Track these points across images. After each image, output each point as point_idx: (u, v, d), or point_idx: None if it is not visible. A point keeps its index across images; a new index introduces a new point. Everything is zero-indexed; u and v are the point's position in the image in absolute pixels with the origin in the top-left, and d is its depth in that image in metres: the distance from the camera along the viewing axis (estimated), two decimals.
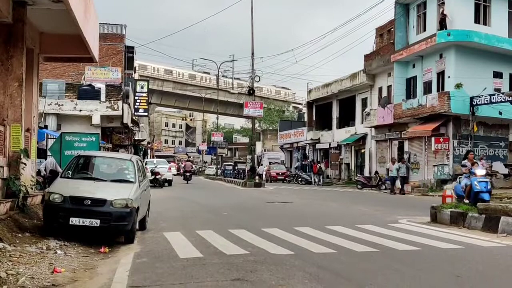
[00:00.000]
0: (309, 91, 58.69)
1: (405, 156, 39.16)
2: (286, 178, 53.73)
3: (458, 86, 33.98)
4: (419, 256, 10.02)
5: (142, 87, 50.47)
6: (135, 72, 57.15)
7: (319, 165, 50.05)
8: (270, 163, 65.38)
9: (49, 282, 7.91)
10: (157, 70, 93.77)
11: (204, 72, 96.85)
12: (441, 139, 34.80)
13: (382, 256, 10.03)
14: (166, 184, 39.75)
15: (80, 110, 36.37)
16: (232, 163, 73.52)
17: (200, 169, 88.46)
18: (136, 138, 55.05)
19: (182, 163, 78.47)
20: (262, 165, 60.44)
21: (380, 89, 44.80)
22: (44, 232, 11.76)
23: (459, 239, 12.06)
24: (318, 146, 56.04)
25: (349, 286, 7.37)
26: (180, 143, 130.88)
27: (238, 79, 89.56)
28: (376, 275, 8.29)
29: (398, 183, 33.86)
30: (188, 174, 48.65)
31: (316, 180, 47.72)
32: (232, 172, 65.68)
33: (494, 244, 11.41)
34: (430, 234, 12.86)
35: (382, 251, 10.50)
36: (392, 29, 42.18)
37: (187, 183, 46.79)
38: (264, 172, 53.34)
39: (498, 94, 32.38)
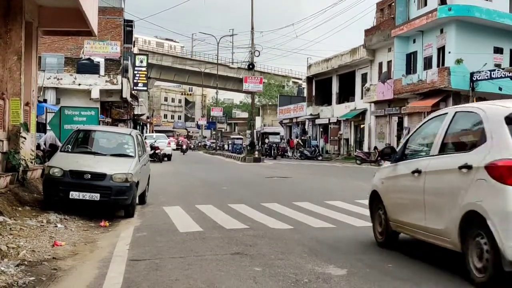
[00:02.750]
0: (309, 66, 58.51)
1: (404, 132, 39.17)
2: (286, 153, 53.86)
3: (459, 61, 33.86)
4: None
5: (141, 61, 50.29)
6: (134, 46, 56.89)
7: (297, 139, 56.58)
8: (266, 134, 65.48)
9: (50, 255, 7.96)
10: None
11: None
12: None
13: None
14: (166, 159, 39.77)
15: (79, 84, 36.25)
16: (242, 137, 73.72)
17: (200, 144, 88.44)
18: (135, 112, 54.99)
19: (180, 138, 78.81)
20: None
21: (380, 64, 44.66)
22: (44, 206, 11.81)
23: None
24: (317, 121, 56.03)
25: (347, 260, 7.41)
26: (179, 117, 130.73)
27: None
28: (374, 249, 8.34)
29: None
30: (184, 148, 59.56)
31: (290, 154, 52.78)
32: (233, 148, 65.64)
33: None
34: None
35: None
36: (393, 4, 41.93)
37: (183, 154, 55.34)
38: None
39: (498, 70, 32.29)
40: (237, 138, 72.60)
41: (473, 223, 6.17)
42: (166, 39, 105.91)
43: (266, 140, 53.05)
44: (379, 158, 38.59)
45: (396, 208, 8.25)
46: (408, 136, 8.71)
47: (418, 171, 7.48)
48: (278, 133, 59.67)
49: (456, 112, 7.35)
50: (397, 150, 8.76)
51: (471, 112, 7.02)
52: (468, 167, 6.30)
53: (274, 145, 51.24)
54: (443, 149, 7.26)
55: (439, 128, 7.45)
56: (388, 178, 8.63)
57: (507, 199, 5.70)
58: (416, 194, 7.55)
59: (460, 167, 6.43)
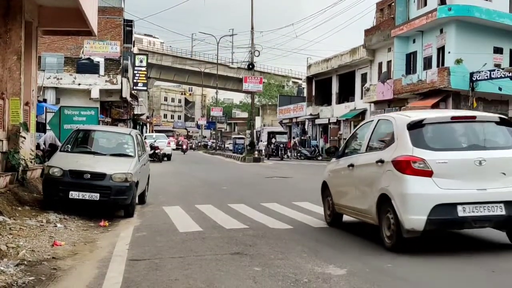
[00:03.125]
0: (309, 66, 58.49)
1: None
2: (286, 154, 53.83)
3: (458, 61, 33.84)
4: None
5: (141, 61, 50.27)
6: (134, 46, 56.89)
7: (294, 140, 57.08)
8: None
9: (49, 255, 7.96)
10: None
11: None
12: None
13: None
14: (165, 158, 39.78)
15: (79, 84, 36.22)
16: (243, 137, 73.32)
17: (199, 144, 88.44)
18: (135, 112, 54.97)
19: (180, 138, 79.05)
20: (261, 140, 60.43)
21: (380, 64, 44.65)
22: (44, 205, 11.81)
23: None
24: (317, 121, 56.02)
25: (347, 260, 7.41)
26: (179, 117, 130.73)
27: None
28: (374, 248, 8.32)
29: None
30: (184, 148, 62.43)
31: (289, 155, 52.04)
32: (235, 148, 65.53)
33: None
34: None
35: None
36: (393, 4, 41.91)
37: (184, 154, 57.01)
38: (264, 147, 53.45)
39: (498, 70, 32.27)
40: (239, 138, 71.37)
41: (385, 203, 8.27)
42: (145, 35, 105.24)
43: (273, 140, 49.66)
44: None
45: (338, 194, 10.38)
46: (348, 138, 11.01)
47: (351, 165, 9.66)
48: (285, 133, 57.09)
49: (379, 120, 9.54)
50: (349, 148, 10.48)
51: (387, 120, 9.18)
52: (382, 161, 8.46)
53: (282, 145, 48.63)
54: (368, 148, 9.40)
55: (367, 132, 9.65)
56: (333, 171, 10.89)
57: (404, 184, 7.85)
58: (350, 183, 9.79)
59: (377, 161, 8.60)
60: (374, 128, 9.44)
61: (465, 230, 8.87)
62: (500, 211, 7.80)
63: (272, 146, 49.00)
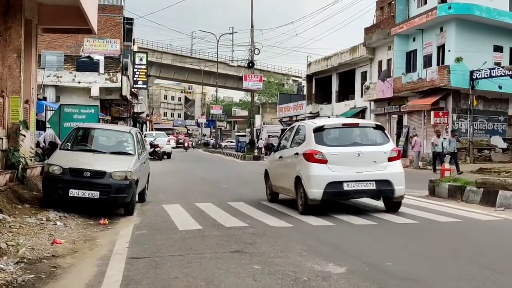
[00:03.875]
0: (309, 64, 58.43)
1: (404, 130, 39.16)
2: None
3: (458, 59, 33.83)
4: (416, 229, 10.07)
5: (141, 59, 50.25)
6: (134, 44, 56.85)
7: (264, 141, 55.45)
8: (269, 136, 65.29)
9: (49, 253, 7.97)
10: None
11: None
12: (441, 113, 34.75)
13: (379, 228, 10.09)
14: (165, 156, 39.80)
15: (79, 82, 36.22)
16: (247, 135, 72.82)
17: (199, 142, 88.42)
18: (135, 110, 54.97)
19: (180, 136, 79.24)
20: (261, 138, 60.40)
21: (380, 63, 44.62)
22: (44, 203, 11.82)
23: (457, 212, 12.10)
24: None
25: (346, 258, 7.42)
26: (179, 115, 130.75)
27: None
28: (373, 247, 8.35)
29: (447, 161, 25.82)
30: (186, 145, 65.46)
31: None
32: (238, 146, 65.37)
33: (491, 217, 11.45)
34: (427, 208, 12.91)
35: (380, 224, 10.56)
36: (393, 2, 41.87)
37: (186, 151, 59.61)
38: (263, 145, 53.41)
39: (498, 68, 32.24)
40: (242, 135, 69.58)
41: (298, 182, 11.94)
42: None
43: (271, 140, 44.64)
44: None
45: (274, 178, 14.14)
46: (281, 137, 15.53)
47: (281, 157, 13.63)
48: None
49: (298, 125, 13.71)
50: (281, 145, 14.33)
51: (303, 125, 13.31)
52: (297, 154, 12.25)
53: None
54: (291, 144, 13.22)
55: (291, 133, 13.68)
56: (270, 161, 15.26)
57: (309, 168, 11.57)
58: (280, 169, 13.70)
59: (294, 154, 12.43)
60: (295, 131, 13.47)
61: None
62: (372, 186, 11.65)
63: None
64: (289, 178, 12.42)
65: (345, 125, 12.81)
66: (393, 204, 12.21)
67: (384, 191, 11.81)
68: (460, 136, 32.43)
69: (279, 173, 13.65)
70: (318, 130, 12.11)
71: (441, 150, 26.39)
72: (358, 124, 13.24)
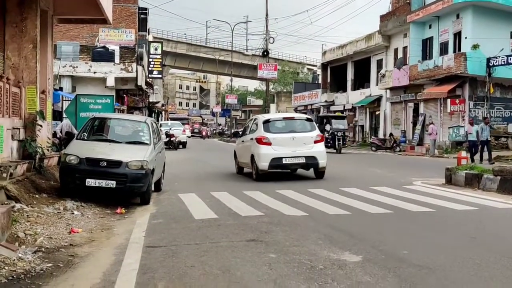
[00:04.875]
0: (324, 53, 58.22)
1: (420, 118, 38.92)
2: None
3: (475, 47, 33.54)
4: (433, 218, 10.03)
5: (156, 49, 50.26)
6: (148, 34, 56.90)
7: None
8: None
9: (67, 242, 8.03)
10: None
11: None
12: (457, 101, 34.52)
13: (396, 217, 10.06)
14: (181, 146, 39.88)
15: (95, 72, 36.37)
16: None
17: (214, 131, 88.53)
18: (150, 100, 55.10)
19: (195, 126, 79.57)
20: None
21: (396, 50, 44.35)
22: (61, 193, 11.90)
23: (473, 200, 12.04)
24: (332, 108, 55.77)
25: (362, 247, 7.41)
26: (194, 105, 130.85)
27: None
28: (389, 236, 8.33)
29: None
30: (204, 134, 71.70)
31: None
32: None
33: (509, 205, 11.38)
34: (444, 196, 12.85)
35: (396, 212, 10.53)
36: None
37: (204, 139, 64.90)
38: None
39: None
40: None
41: (253, 158, 16.70)
42: None
43: (327, 127, 36.90)
44: (394, 145, 38.49)
45: (239, 156, 19.07)
46: (245, 126, 20.14)
47: (243, 141, 18.53)
48: (344, 117, 42.17)
49: (255, 118, 18.73)
50: (244, 132, 19.21)
51: (257, 118, 18.31)
52: (252, 138, 17.03)
53: (339, 133, 36.41)
54: (249, 132, 18.05)
55: (251, 124, 18.65)
56: (237, 144, 20.11)
57: (259, 149, 16.35)
58: (242, 150, 18.52)
59: (251, 139, 17.18)
60: (252, 122, 18.61)
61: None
62: (302, 160, 16.61)
63: (326, 134, 35.10)
64: (247, 156, 17.46)
65: (284, 118, 18.08)
66: (319, 173, 17.25)
67: (311, 164, 16.89)
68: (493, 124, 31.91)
69: (242, 153, 18.63)
70: (266, 122, 17.20)
71: (476, 139, 25.30)
72: (293, 117, 18.62)
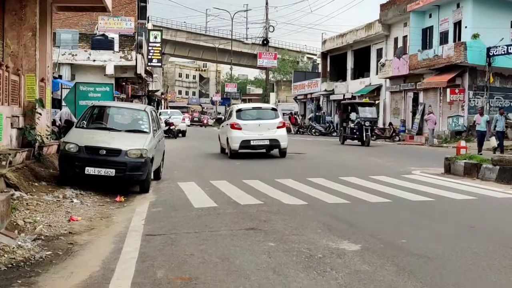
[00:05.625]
0: (324, 42, 58.07)
1: (420, 107, 38.90)
2: (300, 129, 53.77)
3: (475, 36, 33.47)
4: (432, 207, 10.06)
5: (155, 37, 50.04)
6: (148, 22, 56.72)
7: (295, 116, 58.21)
8: (284, 114, 65.09)
9: (66, 230, 8.05)
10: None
11: None
12: (457, 90, 34.48)
13: (395, 206, 10.08)
14: (180, 134, 39.87)
15: (94, 60, 36.26)
16: (291, 110, 71.62)
17: (214, 120, 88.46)
18: (150, 88, 54.99)
19: (195, 114, 79.68)
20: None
21: (396, 40, 44.24)
22: (60, 181, 11.91)
23: (472, 190, 12.07)
24: (332, 97, 55.73)
25: (361, 235, 7.43)
26: (193, 93, 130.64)
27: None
28: (388, 225, 8.36)
29: (493, 141, 24.01)
30: (205, 122, 75.07)
31: (293, 130, 52.40)
32: None
33: (507, 195, 11.42)
34: (443, 185, 12.88)
35: (395, 201, 10.55)
36: None
37: (205, 127, 67.59)
38: None
39: None
40: (285, 110, 59.32)
41: (227, 140, 20.65)
42: None
43: (353, 116, 32.27)
44: (394, 134, 38.48)
45: (220, 139, 22.63)
46: (225, 114, 26.62)
47: (223, 126, 22.78)
48: (372, 104, 35.89)
49: (231, 108, 23.88)
50: (224, 119, 24.88)
51: (232, 108, 22.72)
52: (228, 124, 20.97)
53: (367, 123, 31.15)
54: (227, 119, 22.13)
55: (229, 112, 23.43)
56: (220, 129, 24.24)
57: (231, 133, 20.29)
58: (222, 134, 22.26)
59: (227, 124, 21.21)
60: (229, 111, 22.82)
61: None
62: (267, 142, 20.22)
63: (352, 124, 32.13)
64: (225, 138, 21.19)
65: (254, 108, 22.41)
66: (281, 153, 21.01)
67: (274, 145, 20.69)
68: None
69: (221, 136, 22.49)
70: (238, 110, 21.13)
71: (484, 129, 24.36)
72: (261, 107, 22.85)
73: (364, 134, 30.73)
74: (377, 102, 47.31)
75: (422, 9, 39.01)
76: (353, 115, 32.19)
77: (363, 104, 34.15)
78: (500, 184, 12.90)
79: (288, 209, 9.72)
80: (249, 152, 21.00)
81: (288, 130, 44.54)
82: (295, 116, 57.61)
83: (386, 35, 45.42)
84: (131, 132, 12.66)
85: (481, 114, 25.34)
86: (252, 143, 20.07)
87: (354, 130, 31.59)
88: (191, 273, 5.83)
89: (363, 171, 16.12)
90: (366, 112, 32.36)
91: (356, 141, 31.63)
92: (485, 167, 14.03)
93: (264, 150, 21.20)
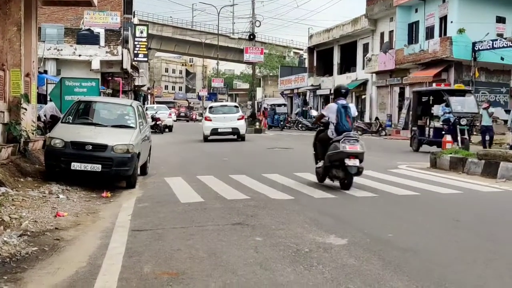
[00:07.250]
0: (310, 36, 58.17)
1: (406, 102, 39.05)
2: (287, 124, 53.75)
3: (461, 31, 33.68)
4: (418, 201, 10.11)
5: (141, 32, 49.83)
6: (134, 17, 56.45)
7: (264, 110, 56.48)
8: (265, 109, 64.79)
9: (52, 225, 8.01)
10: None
11: None
12: (442, 85, 34.61)
13: (381, 201, 10.12)
14: (167, 130, 39.78)
15: (80, 55, 36.04)
16: (285, 103, 69.74)
17: (201, 114, 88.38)
18: (136, 83, 54.79)
19: (181, 109, 79.68)
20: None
21: (382, 34, 44.40)
22: (46, 176, 11.84)
23: (458, 184, 12.14)
24: (318, 92, 55.88)
25: (348, 230, 7.46)
26: (180, 89, 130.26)
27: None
28: (375, 219, 8.39)
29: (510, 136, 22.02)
30: (193, 117, 76.58)
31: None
32: None
33: (493, 189, 11.49)
34: (429, 180, 12.94)
35: (381, 196, 10.59)
36: None
37: (194, 122, 69.26)
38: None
39: (500, 39, 32.16)
40: (279, 105, 55.63)
41: (202, 129, 28.91)
42: None
43: (439, 110, 22.26)
44: (380, 129, 38.62)
45: (204, 130, 28.33)
46: (208, 109, 30.45)
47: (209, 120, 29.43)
48: (468, 91, 25.39)
49: (210, 105, 33.04)
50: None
51: (209, 105, 32.34)
52: (205, 118, 29.26)
53: (463, 121, 21.08)
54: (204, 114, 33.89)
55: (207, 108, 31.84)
56: (202, 123, 30.57)
57: (204, 123, 28.91)
58: (201, 125, 30.15)
59: (204, 118, 30.48)
60: (208, 107, 30.78)
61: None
62: (230, 130, 27.99)
63: (437, 123, 21.89)
64: (202, 128, 28.53)
65: (221, 106, 31.18)
66: (241, 138, 27.97)
67: (235, 132, 27.94)
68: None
69: (201, 126, 28.91)
70: (210, 107, 29.64)
71: (489, 124, 21.83)
72: (226, 105, 31.46)
73: (459, 137, 20.58)
74: (363, 96, 47.55)
75: (408, 4, 39.19)
76: (438, 109, 22.23)
77: (453, 92, 23.86)
78: (486, 178, 12.97)
79: (275, 203, 9.72)
80: (217, 137, 28.20)
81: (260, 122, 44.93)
82: (265, 111, 55.68)
83: (372, 30, 45.59)
84: (118, 128, 12.61)
85: (484, 109, 22.37)
86: (219, 130, 27.68)
87: (443, 132, 21.09)
88: (178, 268, 5.82)
89: None
90: (459, 104, 22.30)
91: (436, 147, 20.95)
92: (470, 162, 14.11)
93: (230, 136, 28.29)
